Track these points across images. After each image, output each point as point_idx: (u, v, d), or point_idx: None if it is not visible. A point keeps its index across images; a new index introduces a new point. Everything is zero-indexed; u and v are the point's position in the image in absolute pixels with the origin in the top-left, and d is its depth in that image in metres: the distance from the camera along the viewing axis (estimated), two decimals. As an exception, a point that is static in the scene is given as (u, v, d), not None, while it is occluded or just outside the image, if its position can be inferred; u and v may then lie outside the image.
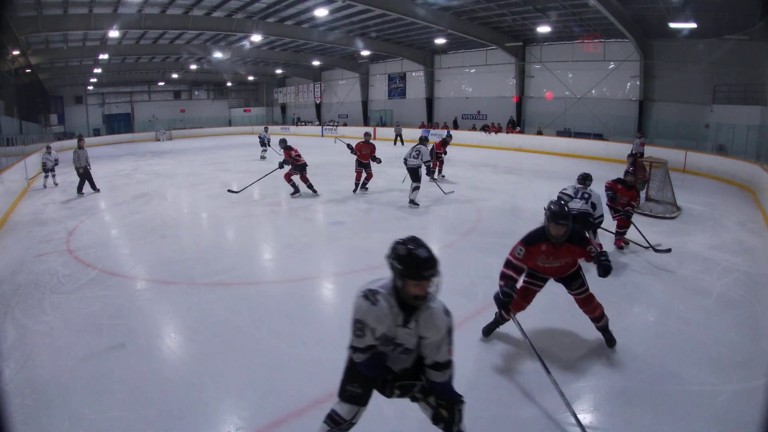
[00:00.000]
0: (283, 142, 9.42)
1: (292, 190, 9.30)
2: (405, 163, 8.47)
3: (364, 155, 9.23)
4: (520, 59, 19.69)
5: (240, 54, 23.59)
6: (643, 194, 8.09)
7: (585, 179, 5.65)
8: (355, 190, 9.49)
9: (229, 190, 9.42)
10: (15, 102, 16.60)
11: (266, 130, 17.17)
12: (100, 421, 2.73)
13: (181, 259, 5.73)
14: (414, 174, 8.29)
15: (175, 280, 5.07)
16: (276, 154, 16.52)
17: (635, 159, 8.22)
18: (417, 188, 8.28)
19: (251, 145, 21.65)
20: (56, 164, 11.90)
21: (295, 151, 9.02)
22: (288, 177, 9.18)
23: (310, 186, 9.21)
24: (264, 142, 16.58)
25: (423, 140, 8.74)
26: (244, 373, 3.23)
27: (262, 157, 16.13)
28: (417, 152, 8.31)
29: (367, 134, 9.56)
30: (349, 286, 4.88)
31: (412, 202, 8.25)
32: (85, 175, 10.53)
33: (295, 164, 8.98)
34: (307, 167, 9.18)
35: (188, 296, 4.60)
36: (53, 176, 11.82)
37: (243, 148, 20.93)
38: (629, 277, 4.99)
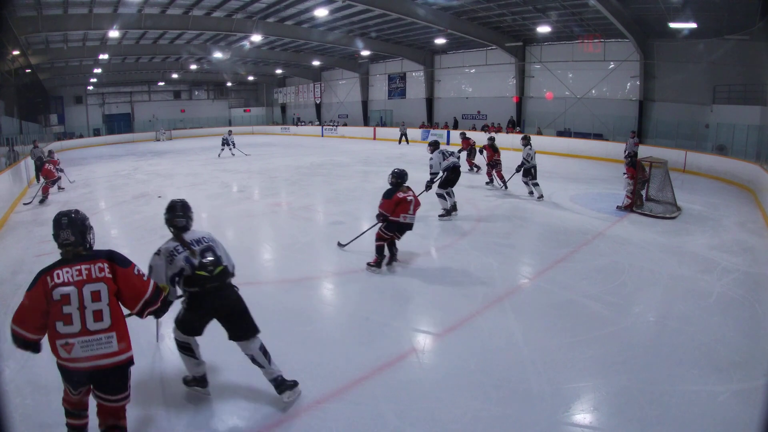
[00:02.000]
0: (49, 154, 10.24)
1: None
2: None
3: (489, 156, 9.94)
4: (520, 59, 19.70)
5: (240, 54, 23.59)
6: (643, 194, 8.09)
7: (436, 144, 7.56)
8: (488, 183, 10.38)
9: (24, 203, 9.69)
10: (15, 102, 16.61)
11: (230, 133, 18.33)
12: (100, 421, 2.72)
13: (181, 259, 5.71)
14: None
15: (175, 280, 5.07)
16: (242, 155, 17.50)
17: (633, 159, 8.27)
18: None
19: (251, 145, 21.70)
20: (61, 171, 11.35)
21: (56, 163, 10.14)
22: (47, 189, 9.78)
23: (45, 197, 9.68)
24: (226, 143, 17.60)
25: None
26: (244, 373, 3.23)
27: (219, 155, 17.36)
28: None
29: (491, 138, 10.25)
30: (349, 286, 4.90)
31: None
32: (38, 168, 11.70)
33: (50, 177, 9.75)
34: (59, 181, 10.23)
35: (188, 296, 4.59)
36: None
37: (243, 149, 20.92)
38: (629, 277, 4.99)
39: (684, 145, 14.03)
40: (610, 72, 17.29)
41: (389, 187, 5.07)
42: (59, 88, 28.13)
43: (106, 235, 7.17)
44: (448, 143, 21.45)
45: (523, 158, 8.93)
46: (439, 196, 7.43)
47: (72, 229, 2.41)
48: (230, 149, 17.66)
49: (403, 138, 21.74)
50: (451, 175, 7.32)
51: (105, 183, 12.27)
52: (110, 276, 2.33)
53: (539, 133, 18.89)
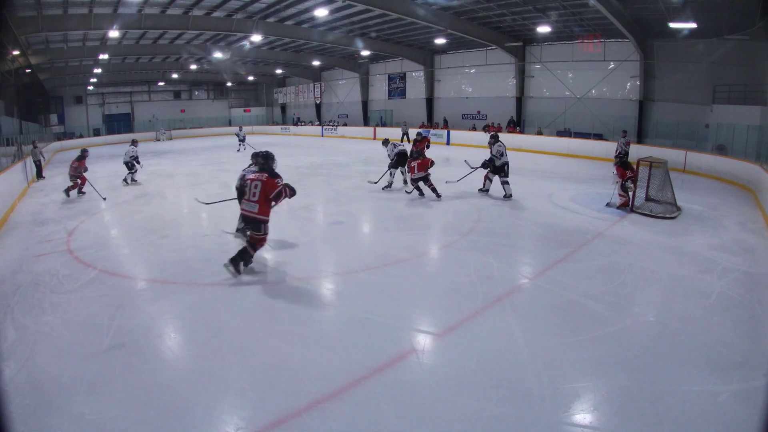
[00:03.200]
0: (84, 152, 10.51)
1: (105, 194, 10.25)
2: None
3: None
4: (520, 59, 19.70)
5: (240, 54, 23.59)
6: (643, 194, 8.09)
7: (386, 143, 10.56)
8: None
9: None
10: (15, 102, 16.61)
11: (241, 129, 21.30)
12: (100, 421, 2.73)
13: (181, 259, 5.73)
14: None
15: (175, 280, 5.07)
16: (249, 149, 18.45)
17: (624, 158, 8.31)
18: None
19: (251, 145, 21.72)
20: (137, 161, 11.76)
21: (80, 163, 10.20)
22: (81, 182, 10.27)
23: (79, 190, 10.30)
24: (240, 139, 20.45)
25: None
26: (244, 373, 3.23)
27: (239, 150, 19.66)
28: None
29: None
30: (349, 286, 4.90)
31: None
32: (39, 166, 13.33)
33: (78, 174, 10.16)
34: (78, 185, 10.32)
35: (188, 296, 4.60)
36: (134, 172, 11.77)
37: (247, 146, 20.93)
38: (629, 276, 4.99)
39: (684, 145, 14.03)
40: (610, 72, 17.30)
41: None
42: (59, 88, 28.12)
43: (106, 235, 7.17)
44: (448, 143, 21.53)
45: (492, 155, 8.95)
46: (391, 174, 10.17)
47: (258, 158, 5.32)
48: (242, 145, 19.87)
49: (405, 137, 21.93)
50: (400, 158, 9.95)
51: (105, 183, 12.23)
52: (265, 180, 4.86)
53: (539, 133, 18.91)
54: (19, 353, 3.49)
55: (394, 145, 10.19)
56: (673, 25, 12.89)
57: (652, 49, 15.83)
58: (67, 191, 10.11)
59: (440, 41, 19.19)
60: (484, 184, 9.44)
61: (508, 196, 8.92)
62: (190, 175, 13.34)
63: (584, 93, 18.21)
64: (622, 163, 8.18)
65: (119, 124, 31.16)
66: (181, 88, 34.29)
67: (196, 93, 35.41)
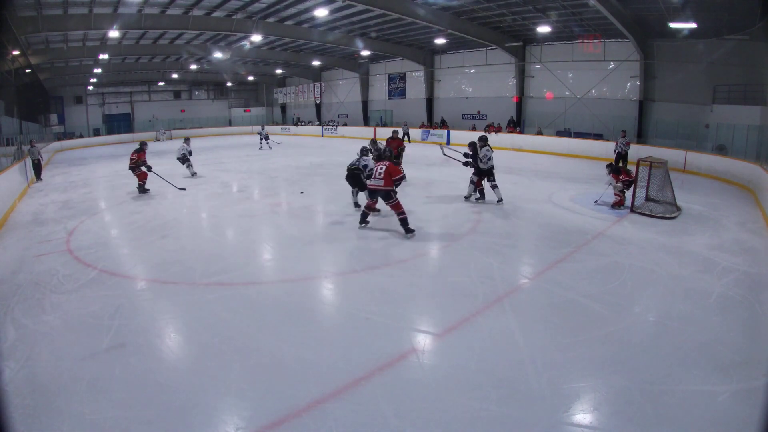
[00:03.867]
0: (143, 144, 10.63)
1: (181, 186, 10.80)
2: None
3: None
4: (520, 59, 19.70)
5: (240, 54, 23.60)
6: (643, 194, 8.09)
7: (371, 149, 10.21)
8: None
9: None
10: (15, 102, 16.61)
11: (263, 128, 21.91)
12: (100, 421, 2.73)
13: (181, 259, 5.72)
14: None
15: (175, 280, 5.07)
16: (275, 148, 19.61)
17: (616, 165, 8.33)
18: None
19: (252, 145, 21.76)
20: (190, 154, 12.59)
21: (139, 155, 10.30)
22: (144, 176, 10.27)
23: (142, 187, 10.36)
24: (262, 137, 20.85)
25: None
26: (244, 373, 3.23)
27: (260, 148, 20.33)
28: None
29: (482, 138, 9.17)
30: (349, 286, 4.90)
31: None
32: (38, 165, 13.18)
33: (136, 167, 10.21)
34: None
35: (188, 296, 4.60)
36: (190, 166, 12.58)
37: (243, 148, 20.98)
38: (629, 277, 4.99)
39: (684, 145, 14.02)
40: (610, 72, 17.29)
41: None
42: (59, 88, 28.13)
43: (106, 235, 7.17)
44: (448, 143, 21.52)
45: (479, 157, 8.42)
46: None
47: (376, 152, 8.30)
48: (267, 142, 20.53)
49: (406, 137, 22.01)
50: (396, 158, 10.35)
51: (105, 183, 12.27)
52: (389, 165, 6.46)
53: (539, 133, 18.90)
54: (19, 353, 3.49)
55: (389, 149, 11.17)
56: (673, 25, 12.89)
57: (652, 49, 15.82)
58: (139, 188, 10.27)
59: (440, 41, 19.18)
60: (475, 190, 8.83)
61: (499, 201, 8.47)
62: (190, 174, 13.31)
63: (584, 93, 18.21)
64: (615, 170, 8.29)
65: (119, 124, 31.18)
66: (181, 88, 34.30)
67: (196, 93, 35.42)
